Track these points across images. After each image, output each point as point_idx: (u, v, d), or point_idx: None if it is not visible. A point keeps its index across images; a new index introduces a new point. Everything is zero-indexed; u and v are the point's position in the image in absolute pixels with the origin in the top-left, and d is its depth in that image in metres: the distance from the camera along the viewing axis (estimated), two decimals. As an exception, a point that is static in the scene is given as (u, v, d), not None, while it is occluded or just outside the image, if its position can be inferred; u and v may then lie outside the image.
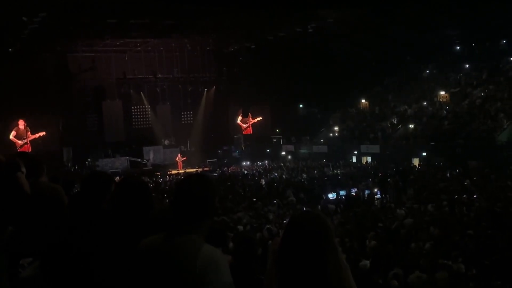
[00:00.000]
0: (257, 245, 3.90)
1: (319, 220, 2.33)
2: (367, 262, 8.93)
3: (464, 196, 15.97)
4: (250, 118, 38.83)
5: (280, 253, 2.32)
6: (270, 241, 9.75)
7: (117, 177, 25.71)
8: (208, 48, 36.23)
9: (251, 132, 39.67)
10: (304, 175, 27.12)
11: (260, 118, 38.56)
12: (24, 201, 3.12)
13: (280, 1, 23.79)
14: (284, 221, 12.55)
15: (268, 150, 37.90)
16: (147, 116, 36.28)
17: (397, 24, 30.20)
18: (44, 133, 31.19)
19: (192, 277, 2.29)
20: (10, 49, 28.11)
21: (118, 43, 32.22)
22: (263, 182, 25.06)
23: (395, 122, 32.67)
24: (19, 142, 30.48)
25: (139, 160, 34.22)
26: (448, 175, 22.42)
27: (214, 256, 2.37)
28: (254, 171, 31.17)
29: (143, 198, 3.17)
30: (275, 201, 18.18)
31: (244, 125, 39.05)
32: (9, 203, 3.01)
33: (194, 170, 32.70)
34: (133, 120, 35.89)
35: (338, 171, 27.71)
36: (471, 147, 24.75)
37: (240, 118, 38.73)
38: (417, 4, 27.31)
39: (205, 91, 37.81)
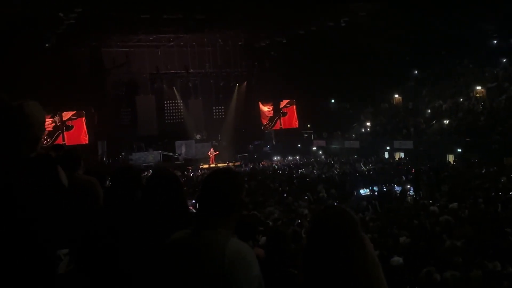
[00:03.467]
0: (289, 239, 3.89)
1: (343, 215, 2.31)
2: (400, 259, 8.83)
3: (500, 193, 15.61)
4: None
5: (306, 248, 2.31)
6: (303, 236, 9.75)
7: (150, 170, 26.06)
8: (239, 43, 36.28)
9: (283, 127, 39.73)
10: (336, 171, 26.95)
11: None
12: (61, 194, 3.18)
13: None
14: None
15: (299, 145, 37.81)
16: (179, 110, 36.63)
17: (432, 17, 29.63)
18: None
19: (220, 271, 2.30)
20: (46, 44, 28.73)
21: (151, 38, 32.59)
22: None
23: (429, 117, 32.12)
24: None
25: (171, 154, 34.61)
26: (483, 172, 21.94)
27: (242, 249, 2.38)
28: (285, 166, 31.15)
29: (174, 191, 3.20)
30: (306, 197, 18.15)
31: (267, 110, 39.23)
32: (46, 196, 3.08)
33: (225, 164, 32.89)
34: (166, 114, 36.30)
35: (370, 167, 27.44)
36: (508, 144, 24.13)
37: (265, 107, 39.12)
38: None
39: (237, 86, 37.92)
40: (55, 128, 32.31)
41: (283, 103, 39.84)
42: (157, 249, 2.60)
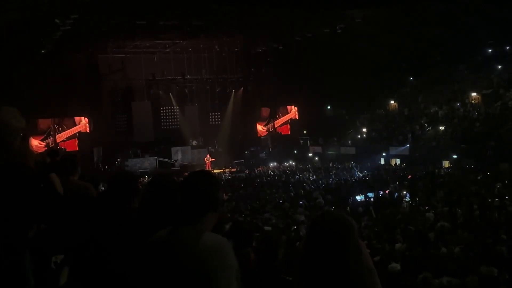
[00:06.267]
0: (279, 245, 3.88)
1: (340, 221, 2.31)
2: (397, 265, 8.83)
3: (496, 199, 15.64)
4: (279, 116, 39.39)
5: (304, 254, 2.31)
6: (297, 243, 9.73)
7: (146, 177, 25.98)
8: (236, 49, 36.36)
9: (287, 132, 39.83)
10: (332, 177, 26.97)
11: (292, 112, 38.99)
12: (56, 201, 3.18)
13: (308, 1, 23.72)
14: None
15: (295, 151, 37.81)
16: (175, 116, 36.57)
17: (427, 24, 29.77)
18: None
19: (197, 262, 2.39)
20: (42, 51, 28.70)
21: (147, 44, 32.64)
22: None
23: (425, 123, 32.21)
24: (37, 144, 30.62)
25: (168, 160, 34.52)
26: (479, 177, 21.99)
27: (217, 240, 2.49)
28: (281, 172, 31.14)
29: (173, 196, 3.20)
30: (301, 202, 18.13)
31: (262, 129, 39.40)
32: (40, 203, 3.07)
33: (221, 170, 32.89)
34: (162, 120, 36.23)
35: (366, 172, 27.47)
36: (503, 150, 24.22)
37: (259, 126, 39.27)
38: (448, 4, 26.90)
39: (233, 92, 37.93)
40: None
41: (279, 122, 39.88)
42: (142, 248, 2.66)
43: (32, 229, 3.06)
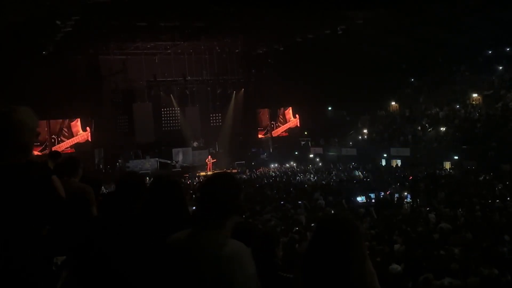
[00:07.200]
0: (277, 242, 3.87)
1: (346, 224, 2.33)
2: (398, 266, 8.81)
3: (497, 201, 15.63)
4: (280, 118, 39.39)
5: (306, 254, 2.32)
6: (297, 244, 9.71)
7: (147, 178, 25.97)
8: (236, 50, 36.37)
9: (287, 134, 39.93)
10: (333, 178, 26.96)
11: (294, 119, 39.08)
12: (58, 203, 3.19)
13: (309, 2, 23.72)
14: (313, 224, 12.52)
15: (296, 153, 37.82)
16: (176, 118, 36.62)
17: (428, 25, 29.76)
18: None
19: (218, 270, 2.36)
20: (43, 52, 28.72)
21: (148, 46, 32.68)
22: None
23: (426, 124, 32.19)
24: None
25: (169, 161, 34.54)
26: (480, 179, 21.97)
27: (239, 249, 2.45)
28: (282, 173, 31.13)
29: (176, 197, 3.20)
30: (300, 202, 18.12)
31: (262, 137, 39.48)
32: (45, 205, 3.08)
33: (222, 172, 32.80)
34: (163, 121, 36.27)
35: (366, 174, 27.44)
36: (504, 151, 24.19)
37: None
38: (449, 5, 26.90)
39: (234, 93, 37.96)
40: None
41: (278, 131, 39.89)
42: (157, 251, 2.63)
43: (45, 229, 3.06)
